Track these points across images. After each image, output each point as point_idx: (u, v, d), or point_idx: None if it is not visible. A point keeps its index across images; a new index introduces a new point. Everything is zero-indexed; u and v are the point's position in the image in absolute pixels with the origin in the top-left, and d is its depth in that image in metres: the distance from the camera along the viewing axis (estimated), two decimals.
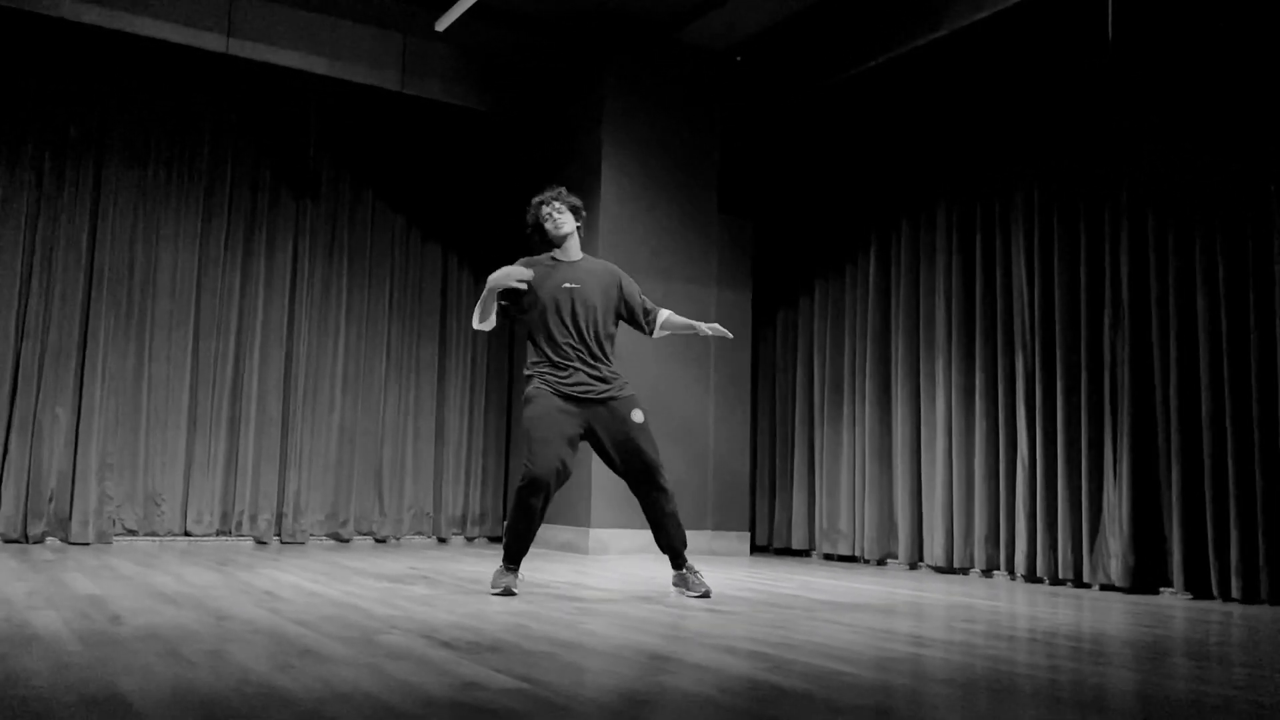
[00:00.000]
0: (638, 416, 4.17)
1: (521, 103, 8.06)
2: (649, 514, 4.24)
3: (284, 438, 7.30)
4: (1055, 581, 5.69)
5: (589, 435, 4.18)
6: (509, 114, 8.06)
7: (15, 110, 6.62)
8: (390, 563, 5.71)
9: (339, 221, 7.68)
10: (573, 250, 4.31)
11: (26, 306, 6.56)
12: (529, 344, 4.32)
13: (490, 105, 8.02)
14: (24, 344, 6.53)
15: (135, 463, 6.81)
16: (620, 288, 4.33)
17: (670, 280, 7.24)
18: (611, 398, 4.16)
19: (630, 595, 4.32)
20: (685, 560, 4.30)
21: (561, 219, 4.26)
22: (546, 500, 4.05)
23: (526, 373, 4.25)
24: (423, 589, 4.33)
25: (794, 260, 7.76)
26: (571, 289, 4.21)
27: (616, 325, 4.35)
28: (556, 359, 4.16)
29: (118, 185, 6.87)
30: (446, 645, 2.82)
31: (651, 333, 4.40)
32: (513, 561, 4.15)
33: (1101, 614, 4.27)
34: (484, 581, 4.56)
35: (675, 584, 4.31)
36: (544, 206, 4.27)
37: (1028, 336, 5.99)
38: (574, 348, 4.15)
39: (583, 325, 4.19)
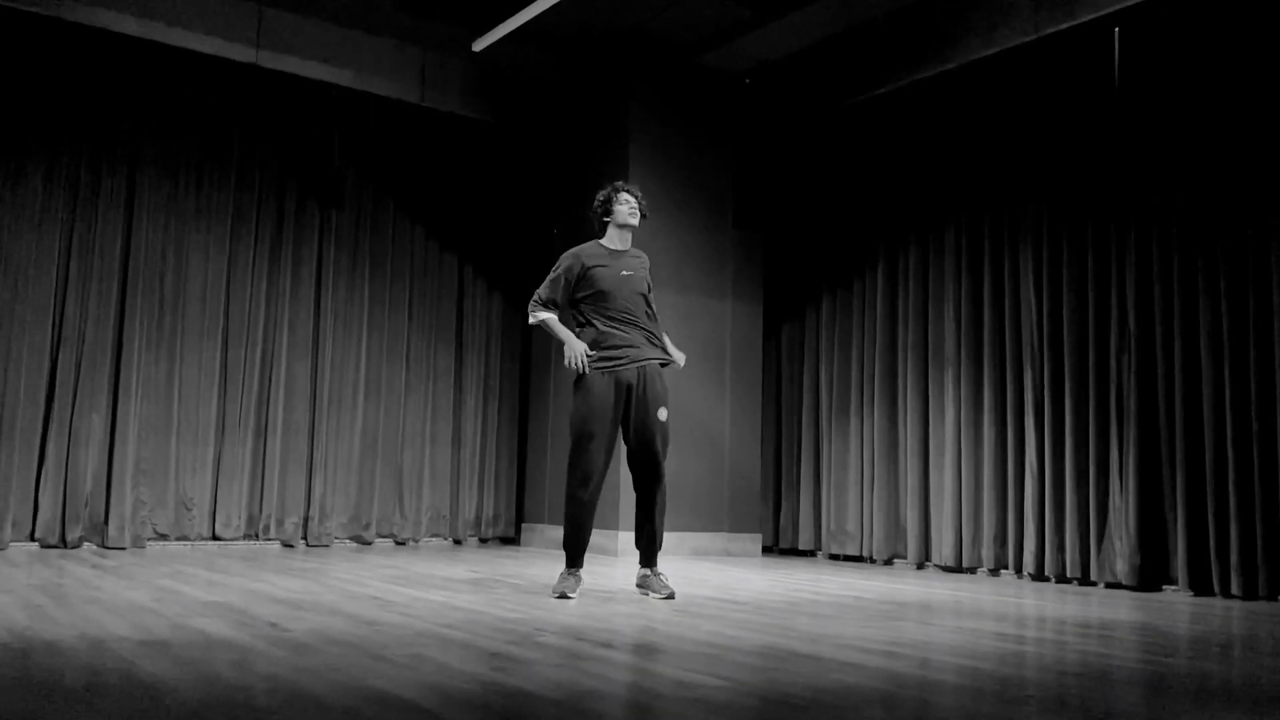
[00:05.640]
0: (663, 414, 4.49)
1: (539, 119, 8.31)
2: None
3: (310, 443, 7.45)
4: (1062, 580, 6.16)
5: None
6: (526, 129, 8.31)
7: (54, 117, 6.68)
8: (445, 566, 5.93)
9: (361, 231, 7.84)
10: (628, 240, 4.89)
11: (63, 313, 6.63)
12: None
13: (506, 120, 8.27)
14: (60, 351, 6.59)
15: (167, 468, 6.91)
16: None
17: (689, 293, 7.57)
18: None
19: (719, 598, 4.63)
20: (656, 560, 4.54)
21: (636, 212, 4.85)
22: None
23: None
24: (508, 592, 4.59)
25: (802, 275, 8.14)
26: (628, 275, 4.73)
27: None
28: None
29: (151, 193, 6.96)
30: (606, 646, 3.11)
31: None
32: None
33: (1163, 613, 4.70)
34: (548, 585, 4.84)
35: (640, 584, 4.52)
36: (626, 194, 4.84)
37: (1036, 353, 6.45)
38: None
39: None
